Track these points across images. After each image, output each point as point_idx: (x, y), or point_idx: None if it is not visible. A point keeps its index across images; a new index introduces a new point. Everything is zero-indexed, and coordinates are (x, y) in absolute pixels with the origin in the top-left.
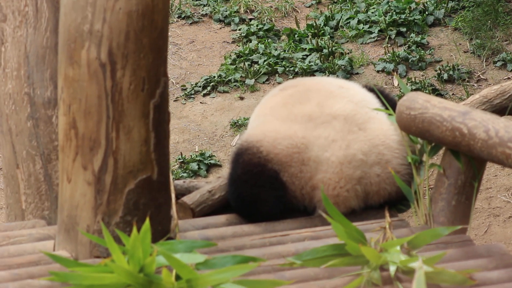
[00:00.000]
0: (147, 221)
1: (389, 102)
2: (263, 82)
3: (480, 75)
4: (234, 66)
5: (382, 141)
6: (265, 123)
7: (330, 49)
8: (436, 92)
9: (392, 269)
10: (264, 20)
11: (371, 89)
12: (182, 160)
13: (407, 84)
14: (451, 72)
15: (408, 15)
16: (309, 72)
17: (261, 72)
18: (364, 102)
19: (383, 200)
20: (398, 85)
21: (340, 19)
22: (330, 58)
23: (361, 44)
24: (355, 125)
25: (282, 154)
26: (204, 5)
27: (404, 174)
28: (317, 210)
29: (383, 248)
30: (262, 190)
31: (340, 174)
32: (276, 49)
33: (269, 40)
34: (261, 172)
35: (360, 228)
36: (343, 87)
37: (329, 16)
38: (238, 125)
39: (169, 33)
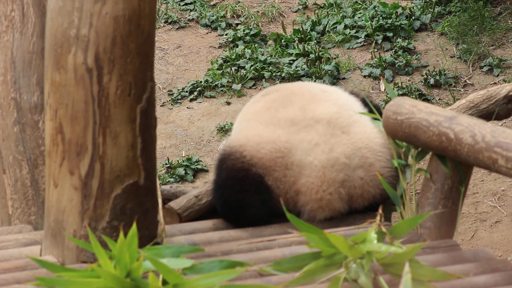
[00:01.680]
0: (134, 226)
1: (374, 108)
2: (250, 87)
3: (467, 80)
4: (221, 71)
5: (365, 144)
6: (248, 128)
7: (316, 54)
8: (422, 97)
9: (369, 259)
10: (250, 25)
11: (357, 95)
12: (168, 165)
13: (393, 89)
14: (437, 77)
15: (394, 20)
16: (295, 77)
17: (247, 77)
18: (347, 105)
19: (368, 203)
20: (385, 90)
21: (326, 24)
22: (316, 63)
23: (347, 49)
24: (338, 129)
25: (266, 159)
26: (191, 10)
27: (387, 176)
28: (302, 214)
29: (357, 242)
30: (248, 195)
31: (322, 178)
32: (262, 54)
33: (256, 45)
34: (245, 177)
35: (346, 233)
36: (326, 91)
37: (315, 21)
38: (225, 130)
39: (155, 38)
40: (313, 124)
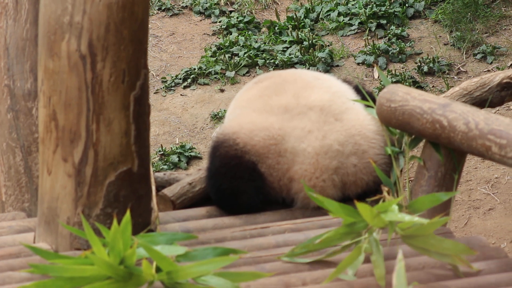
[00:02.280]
0: (128, 213)
1: (367, 95)
2: (244, 75)
3: (460, 68)
4: (215, 58)
5: (358, 131)
6: (241, 116)
7: (310, 41)
8: (416, 84)
9: (392, 229)
10: (244, 12)
11: (350, 82)
12: (162, 152)
13: (387, 76)
14: (431, 65)
15: (388, 7)
16: (289, 64)
17: (241, 64)
18: (340, 92)
19: (361, 190)
20: (378, 77)
21: (320, 11)
22: (310, 51)
23: (341, 36)
24: (332, 116)
25: (259, 146)
26: None
27: (381, 164)
28: (295, 201)
29: (379, 211)
30: (241, 182)
31: (316, 165)
32: (256, 42)
33: (250, 32)
34: (238, 164)
35: (341, 220)
36: (319, 79)
37: (309, 8)
38: (219, 117)
39: (149, 25)
40: (306, 111)
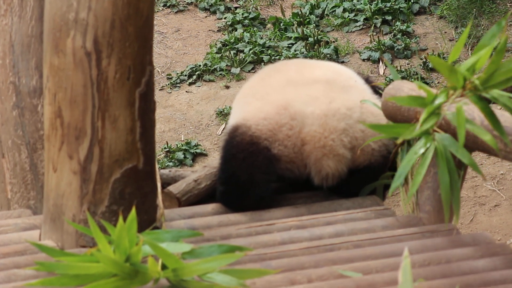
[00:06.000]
0: (133, 211)
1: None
2: (249, 71)
3: None
4: (220, 54)
5: (365, 106)
6: (246, 105)
7: (315, 37)
8: (421, 80)
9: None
10: (249, 9)
11: (361, 74)
12: (167, 149)
13: None
14: None
15: (393, 3)
16: None
17: (246, 60)
18: (342, 71)
19: (368, 160)
20: (384, 73)
21: (325, 8)
22: (315, 47)
23: (346, 32)
24: (338, 88)
25: (270, 117)
26: None
27: (384, 141)
28: (307, 167)
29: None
30: (257, 173)
31: (324, 126)
32: (261, 38)
33: (255, 28)
34: (256, 152)
35: (346, 217)
36: (318, 62)
37: (314, 4)
38: (224, 114)
39: (154, 22)
40: (312, 83)
